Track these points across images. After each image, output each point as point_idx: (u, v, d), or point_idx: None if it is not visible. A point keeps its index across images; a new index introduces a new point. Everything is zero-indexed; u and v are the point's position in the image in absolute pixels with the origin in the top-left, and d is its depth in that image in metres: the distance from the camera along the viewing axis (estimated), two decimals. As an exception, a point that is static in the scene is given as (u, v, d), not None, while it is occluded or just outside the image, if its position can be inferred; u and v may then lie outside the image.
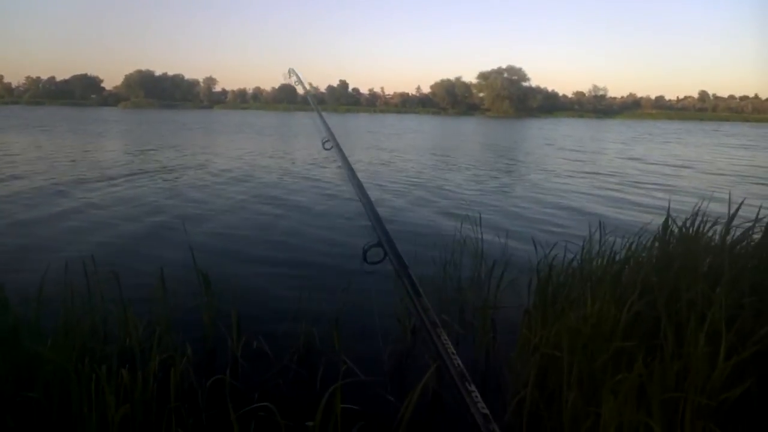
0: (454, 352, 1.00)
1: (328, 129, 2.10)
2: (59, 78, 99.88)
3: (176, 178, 10.31)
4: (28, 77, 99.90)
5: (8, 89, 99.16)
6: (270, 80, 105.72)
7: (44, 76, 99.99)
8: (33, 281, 2.79)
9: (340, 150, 1.92)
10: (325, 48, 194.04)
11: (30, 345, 2.36)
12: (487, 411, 0.87)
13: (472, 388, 0.92)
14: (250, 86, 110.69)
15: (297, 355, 2.95)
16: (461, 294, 3.64)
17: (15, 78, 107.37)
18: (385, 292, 3.35)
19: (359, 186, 1.61)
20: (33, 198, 7.77)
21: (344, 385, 2.17)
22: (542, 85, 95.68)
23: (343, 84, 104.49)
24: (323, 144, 2.06)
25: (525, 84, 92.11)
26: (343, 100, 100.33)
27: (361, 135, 26.75)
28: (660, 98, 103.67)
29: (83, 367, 2.18)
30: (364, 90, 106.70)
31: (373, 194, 1.48)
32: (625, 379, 1.99)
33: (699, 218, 3.57)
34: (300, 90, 2.90)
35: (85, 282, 2.96)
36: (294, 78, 2.94)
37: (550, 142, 25.26)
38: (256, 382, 2.68)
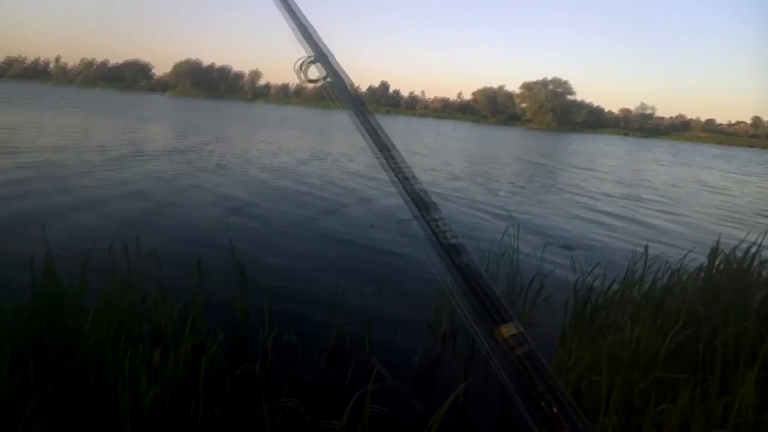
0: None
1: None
2: (112, 62, 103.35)
3: (216, 167, 10.50)
4: (83, 59, 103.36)
5: (63, 70, 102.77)
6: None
7: (98, 59, 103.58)
8: (77, 256, 2.87)
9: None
10: (368, 48, 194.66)
11: (73, 318, 2.43)
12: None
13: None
14: (293, 81, 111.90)
15: (327, 352, 2.94)
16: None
17: (71, 59, 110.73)
18: (419, 297, 3.32)
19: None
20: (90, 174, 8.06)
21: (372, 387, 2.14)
22: (587, 100, 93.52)
23: (384, 85, 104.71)
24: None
25: (570, 97, 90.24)
26: (383, 101, 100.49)
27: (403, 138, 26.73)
28: (710, 121, 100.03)
29: (119, 344, 2.23)
30: (404, 92, 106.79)
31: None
32: (668, 411, 1.91)
33: (749, 250, 3.42)
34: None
35: (126, 261, 3.02)
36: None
37: (594, 159, 24.73)
38: (284, 375, 2.68)
